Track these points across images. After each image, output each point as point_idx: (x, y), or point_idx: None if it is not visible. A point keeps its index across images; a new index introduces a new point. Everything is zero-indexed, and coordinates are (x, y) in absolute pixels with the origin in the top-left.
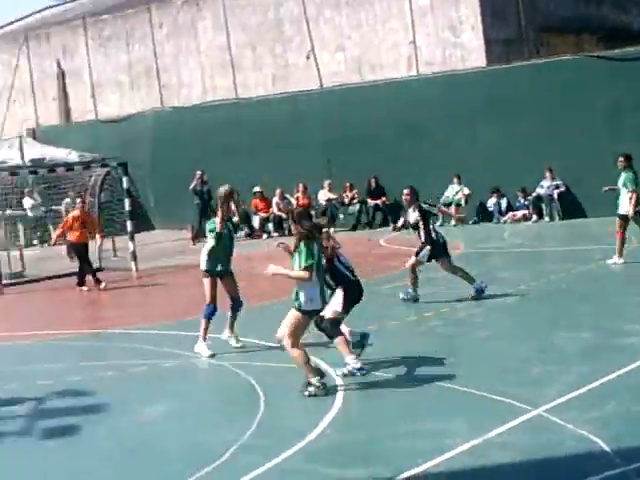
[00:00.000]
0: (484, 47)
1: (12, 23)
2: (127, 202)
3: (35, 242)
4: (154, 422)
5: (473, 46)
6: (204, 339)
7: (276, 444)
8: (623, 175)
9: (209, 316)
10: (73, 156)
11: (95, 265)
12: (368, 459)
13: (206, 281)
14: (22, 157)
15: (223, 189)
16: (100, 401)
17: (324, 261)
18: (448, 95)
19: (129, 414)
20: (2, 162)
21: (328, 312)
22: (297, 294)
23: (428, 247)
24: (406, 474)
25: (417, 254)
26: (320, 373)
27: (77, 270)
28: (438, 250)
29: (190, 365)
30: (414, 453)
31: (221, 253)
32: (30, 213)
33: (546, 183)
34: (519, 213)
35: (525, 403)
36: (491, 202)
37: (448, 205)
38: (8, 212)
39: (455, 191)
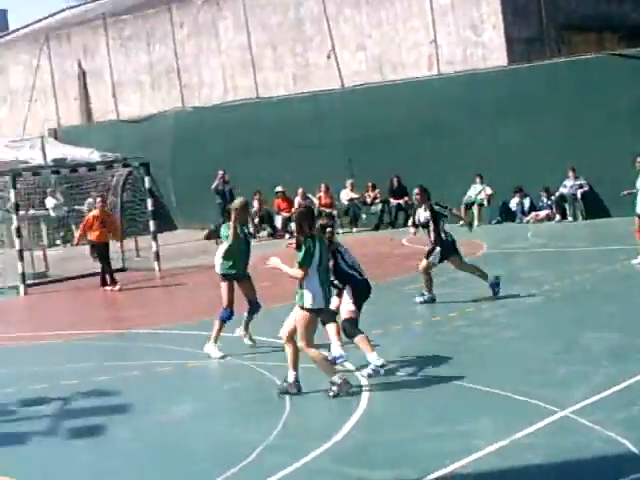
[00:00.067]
0: (505, 46)
1: (33, 24)
2: (149, 202)
3: (58, 242)
4: (179, 422)
5: (494, 45)
6: (215, 341)
7: (302, 444)
8: None
9: (224, 319)
10: (95, 156)
11: (119, 265)
12: (394, 460)
13: (223, 285)
14: (44, 157)
15: (238, 201)
16: (125, 401)
17: (331, 262)
18: (470, 94)
19: (154, 414)
20: (24, 162)
21: (343, 313)
22: (300, 292)
23: (438, 248)
24: (433, 475)
25: (428, 256)
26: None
27: (100, 270)
28: (448, 250)
29: (214, 365)
30: (440, 454)
31: (237, 256)
32: (53, 213)
33: (569, 182)
34: (542, 213)
35: (551, 404)
36: (514, 202)
37: (471, 205)
38: (31, 212)
39: (477, 191)
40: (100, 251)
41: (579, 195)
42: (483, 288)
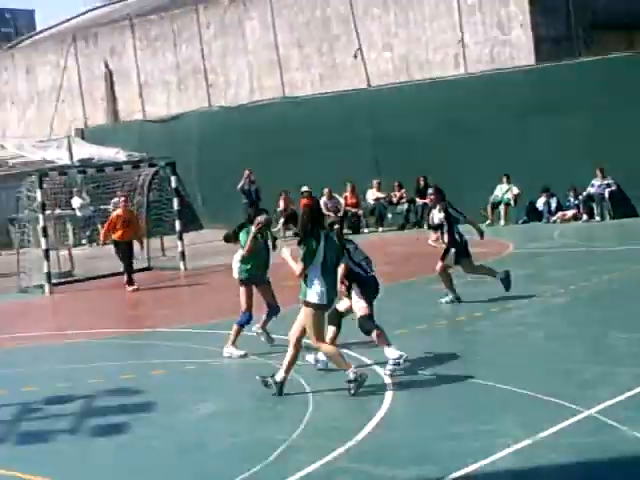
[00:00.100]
0: (533, 45)
1: (60, 24)
2: (176, 201)
3: (84, 241)
4: (202, 421)
5: (522, 44)
6: (233, 343)
7: (324, 444)
8: None
9: (243, 324)
10: (121, 155)
11: (144, 264)
12: (417, 459)
13: (242, 289)
14: (71, 157)
15: (264, 218)
16: (149, 400)
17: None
18: (497, 94)
19: (179, 413)
20: (51, 162)
21: (357, 311)
22: (304, 287)
23: (453, 249)
24: (455, 474)
25: (443, 258)
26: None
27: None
28: (461, 251)
29: (237, 364)
30: (464, 453)
31: (255, 261)
32: (79, 213)
33: (597, 182)
34: (569, 213)
35: (577, 404)
36: (541, 202)
37: (497, 204)
38: (57, 212)
39: (504, 191)
40: (123, 250)
41: (607, 195)
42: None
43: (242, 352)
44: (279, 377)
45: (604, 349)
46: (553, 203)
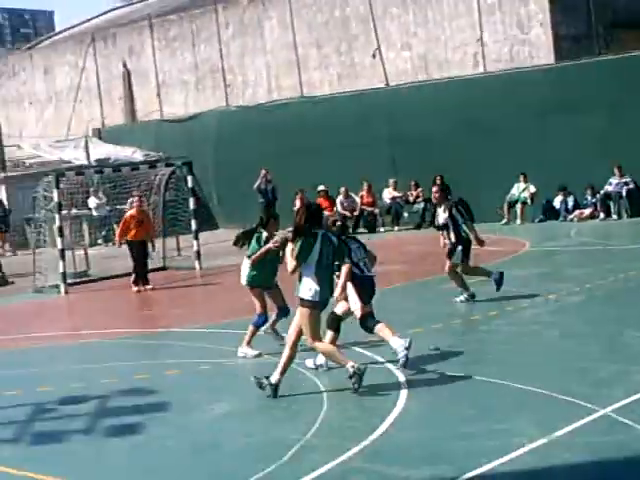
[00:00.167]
0: (552, 43)
1: (79, 25)
2: (192, 201)
3: (100, 241)
4: (217, 421)
5: (541, 42)
6: (248, 343)
7: (339, 443)
8: None
9: (258, 325)
10: (138, 155)
11: (159, 264)
12: (431, 459)
13: (252, 293)
14: (88, 157)
15: (280, 238)
16: (163, 400)
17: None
18: (515, 93)
19: (193, 413)
20: (68, 162)
21: (356, 312)
22: (299, 284)
23: (460, 247)
24: (470, 474)
25: (450, 257)
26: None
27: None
28: (468, 248)
29: (251, 364)
30: (478, 453)
31: (264, 268)
32: (95, 212)
33: (615, 180)
34: (586, 211)
35: (592, 403)
36: (558, 200)
37: (514, 203)
38: (73, 212)
39: (521, 189)
40: (137, 250)
41: (624, 193)
42: (523, 286)
43: (256, 352)
44: (274, 379)
45: (620, 348)
46: (570, 201)
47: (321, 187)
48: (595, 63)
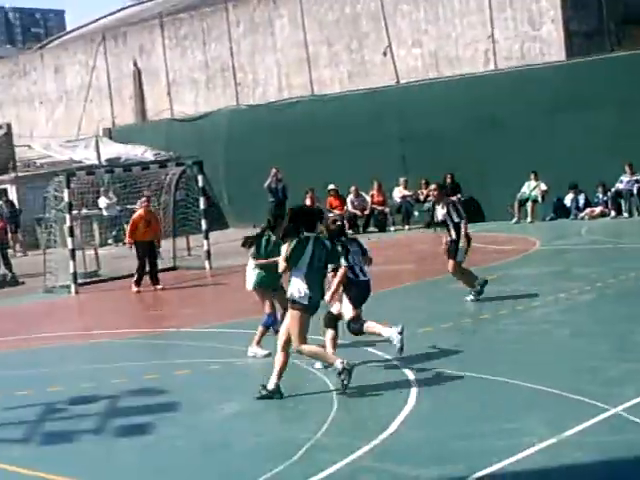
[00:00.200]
0: (564, 40)
1: (89, 24)
2: (202, 200)
3: (110, 241)
4: (228, 420)
5: (552, 39)
6: (257, 342)
7: (349, 442)
8: None
9: (268, 325)
10: (148, 154)
11: (169, 264)
12: (442, 458)
13: (259, 293)
14: (98, 157)
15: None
16: (173, 399)
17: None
18: (526, 90)
19: (203, 412)
20: (78, 162)
21: (345, 315)
22: (289, 286)
23: (461, 244)
24: (480, 473)
25: (453, 256)
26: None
27: (149, 269)
28: (468, 246)
29: (261, 363)
30: (489, 452)
31: (271, 269)
32: (105, 212)
33: (626, 178)
34: (597, 209)
35: (602, 402)
36: (568, 198)
37: (525, 201)
38: (84, 211)
39: (532, 187)
40: (144, 250)
41: (635, 191)
42: (534, 284)
43: (266, 352)
44: (272, 385)
45: (630, 346)
46: (581, 199)
47: (331, 186)
48: (606, 60)
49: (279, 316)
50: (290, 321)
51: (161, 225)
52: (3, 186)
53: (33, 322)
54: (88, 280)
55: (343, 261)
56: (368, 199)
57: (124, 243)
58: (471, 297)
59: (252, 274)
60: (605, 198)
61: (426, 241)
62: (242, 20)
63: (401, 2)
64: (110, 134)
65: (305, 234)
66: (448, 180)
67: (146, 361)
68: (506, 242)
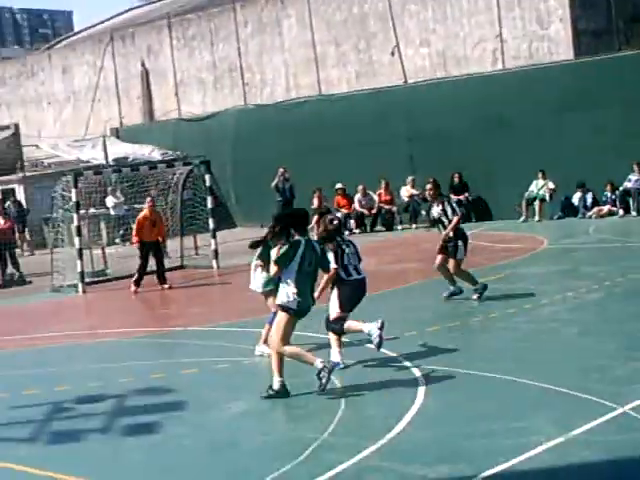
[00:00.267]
0: (572, 39)
1: (97, 24)
2: (209, 200)
3: (117, 240)
4: (235, 419)
5: (560, 38)
6: (265, 341)
7: (356, 442)
8: None
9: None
10: (155, 154)
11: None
12: (448, 457)
13: (264, 294)
14: (106, 157)
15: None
16: (181, 399)
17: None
18: (534, 89)
19: (210, 411)
20: (86, 162)
21: (332, 314)
22: (279, 290)
23: (460, 242)
24: (488, 472)
25: (454, 255)
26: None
27: (156, 268)
28: (465, 242)
29: (269, 362)
30: (496, 451)
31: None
32: (112, 212)
33: (634, 177)
34: (605, 208)
35: (610, 401)
36: (576, 197)
37: (532, 200)
38: (91, 211)
39: (539, 186)
40: (148, 250)
41: None
42: (542, 283)
43: None
44: (277, 384)
45: (638, 345)
46: (589, 198)
47: (339, 185)
48: (615, 59)
49: None
50: (277, 322)
51: (164, 225)
52: (11, 186)
53: (40, 321)
54: (95, 279)
55: (332, 264)
56: (376, 198)
57: (132, 243)
58: (476, 295)
59: (260, 277)
60: (613, 197)
61: (433, 240)
62: (250, 20)
63: (409, 2)
64: (118, 134)
65: (296, 237)
66: (456, 179)
67: (153, 360)
68: (514, 241)
